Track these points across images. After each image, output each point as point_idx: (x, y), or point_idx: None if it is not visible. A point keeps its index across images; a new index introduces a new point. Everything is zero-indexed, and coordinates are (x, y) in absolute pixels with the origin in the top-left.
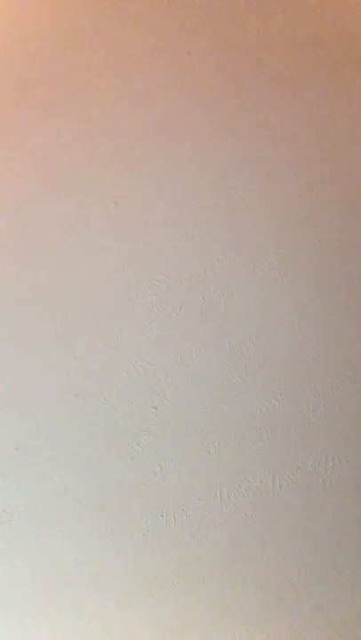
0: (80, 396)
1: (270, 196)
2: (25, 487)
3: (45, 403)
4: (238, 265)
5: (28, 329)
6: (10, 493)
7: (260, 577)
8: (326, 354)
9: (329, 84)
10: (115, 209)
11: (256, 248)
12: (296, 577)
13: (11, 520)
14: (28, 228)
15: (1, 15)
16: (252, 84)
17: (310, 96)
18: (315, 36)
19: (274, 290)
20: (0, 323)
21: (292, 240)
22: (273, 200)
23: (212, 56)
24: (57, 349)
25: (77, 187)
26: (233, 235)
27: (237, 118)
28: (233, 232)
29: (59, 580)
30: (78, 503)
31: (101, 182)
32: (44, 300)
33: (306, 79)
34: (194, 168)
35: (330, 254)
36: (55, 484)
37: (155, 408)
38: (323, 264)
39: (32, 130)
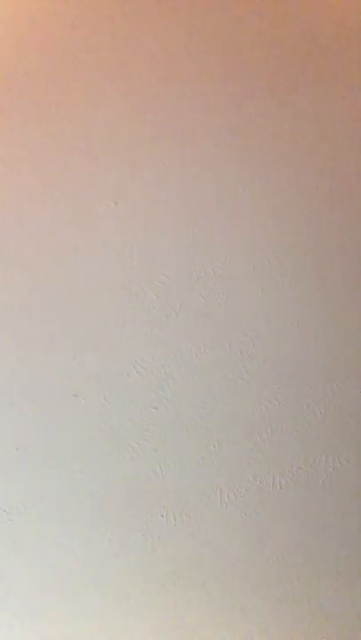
0: (80, 395)
1: (270, 196)
2: (25, 487)
3: (45, 403)
4: (238, 265)
5: (27, 329)
6: (10, 493)
7: (260, 577)
8: (326, 354)
9: (329, 83)
10: (115, 209)
11: (256, 248)
12: (296, 577)
13: (11, 520)
14: (28, 228)
15: (1, 15)
16: (253, 84)
17: (310, 96)
18: (315, 36)
19: (274, 290)
20: (0, 323)
21: (292, 239)
22: (273, 200)
23: (212, 56)
24: (57, 349)
25: (77, 187)
26: (233, 235)
27: (237, 118)
28: (233, 232)
29: (59, 580)
30: (78, 503)
31: (101, 182)
32: (44, 299)
33: (306, 79)
34: (194, 168)
35: (330, 254)
36: (55, 484)
37: (155, 408)
38: (323, 263)
39: (32, 129)
